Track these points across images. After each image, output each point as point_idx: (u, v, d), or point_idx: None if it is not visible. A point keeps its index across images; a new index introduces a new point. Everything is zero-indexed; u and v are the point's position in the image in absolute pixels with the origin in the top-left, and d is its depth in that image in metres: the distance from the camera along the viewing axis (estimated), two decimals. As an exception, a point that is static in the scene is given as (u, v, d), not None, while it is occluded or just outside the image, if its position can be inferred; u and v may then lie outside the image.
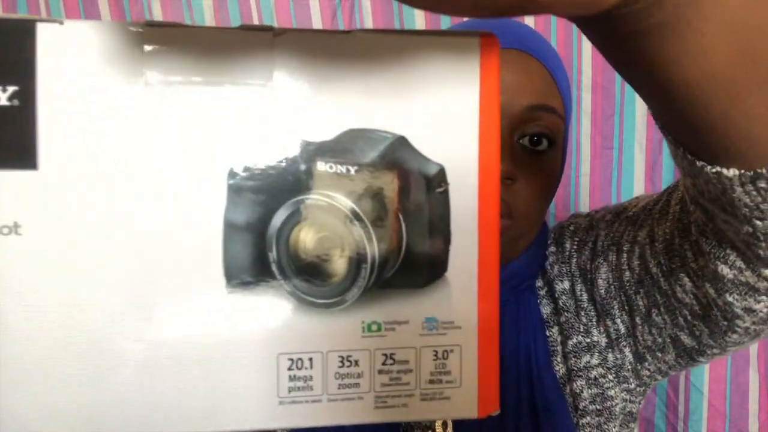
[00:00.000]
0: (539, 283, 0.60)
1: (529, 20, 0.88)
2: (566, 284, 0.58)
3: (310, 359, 0.24)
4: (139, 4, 0.87)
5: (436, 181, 0.24)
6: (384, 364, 0.25)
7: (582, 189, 0.92)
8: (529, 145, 0.53)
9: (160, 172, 0.23)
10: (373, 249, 0.24)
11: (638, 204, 0.54)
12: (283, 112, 0.23)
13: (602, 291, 0.54)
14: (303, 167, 0.23)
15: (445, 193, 0.24)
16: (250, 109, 0.23)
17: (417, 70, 0.23)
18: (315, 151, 0.23)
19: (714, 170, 0.31)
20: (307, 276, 0.23)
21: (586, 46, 0.89)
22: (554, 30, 0.89)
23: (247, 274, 0.23)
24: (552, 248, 0.61)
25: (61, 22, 0.22)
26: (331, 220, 0.23)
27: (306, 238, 0.23)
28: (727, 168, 0.31)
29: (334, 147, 0.23)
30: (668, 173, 0.90)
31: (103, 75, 0.22)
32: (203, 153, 0.23)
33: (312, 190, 0.23)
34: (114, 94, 0.22)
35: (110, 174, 0.22)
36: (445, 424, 0.56)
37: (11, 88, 0.22)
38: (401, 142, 0.23)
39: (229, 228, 0.23)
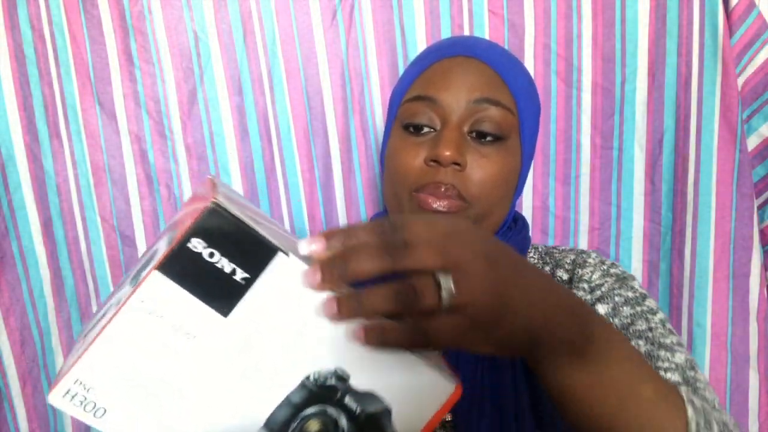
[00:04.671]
0: None
1: (529, 18, 0.89)
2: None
3: None
4: (139, 4, 0.87)
5: None
6: None
7: (582, 189, 0.93)
8: (477, 136, 0.60)
9: (269, 366, 0.38)
10: None
11: None
12: (336, 359, 0.39)
13: None
14: (339, 394, 0.39)
15: None
16: (323, 350, 0.39)
17: (405, 376, 0.39)
18: (346, 388, 0.39)
19: None
20: None
21: (586, 46, 0.89)
22: (554, 30, 0.89)
23: (276, 427, 0.39)
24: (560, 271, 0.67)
25: (287, 254, 0.35)
26: (330, 424, 0.40)
27: (313, 425, 0.39)
28: None
29: (354, 393, 0.39)
30: (668, 173, 0.90)
31: (287, 299, 0.37)
32: (296, 360, 0.39)
33: (330, 406, 0.39)
34: (287, 309, 0.37)
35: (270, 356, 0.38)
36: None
37: (244, 275, 0.35)
38: (388, 411, 0.40)
39: (286, 401, 0.39)
